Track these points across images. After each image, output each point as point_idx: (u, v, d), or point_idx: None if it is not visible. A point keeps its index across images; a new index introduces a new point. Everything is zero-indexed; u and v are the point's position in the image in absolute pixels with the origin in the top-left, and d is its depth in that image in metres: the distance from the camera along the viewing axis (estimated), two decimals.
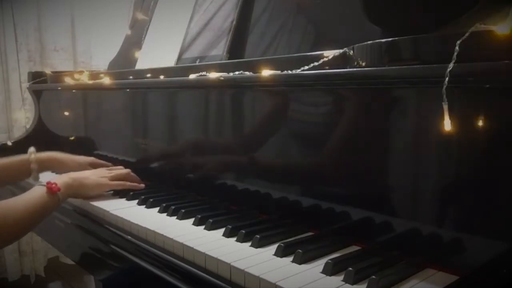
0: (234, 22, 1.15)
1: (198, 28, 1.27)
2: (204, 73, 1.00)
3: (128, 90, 1.31)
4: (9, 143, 1.69)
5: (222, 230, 0.82)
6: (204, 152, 1.08)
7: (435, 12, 0.85)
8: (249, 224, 0.84)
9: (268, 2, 1.13)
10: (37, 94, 1.80)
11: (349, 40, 0.76)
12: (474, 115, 0.59)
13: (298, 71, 0.80)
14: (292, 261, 0.69)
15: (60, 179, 1.02)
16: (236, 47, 1.14)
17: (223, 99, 1.02)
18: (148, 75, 1.23)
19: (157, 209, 0.98)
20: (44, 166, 1.23)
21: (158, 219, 0.92)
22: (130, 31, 1.72)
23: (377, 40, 0.70)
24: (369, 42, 0.71)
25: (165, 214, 0.95)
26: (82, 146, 1.52)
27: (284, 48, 1.04)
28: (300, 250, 0.69)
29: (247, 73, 0.91)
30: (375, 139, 0.73)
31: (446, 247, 0.64)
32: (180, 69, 1.16)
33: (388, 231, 0.71)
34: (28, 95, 2.00)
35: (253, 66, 0.91)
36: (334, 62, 0.77)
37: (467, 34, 0.59)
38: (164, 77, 1.17)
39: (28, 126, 2.03)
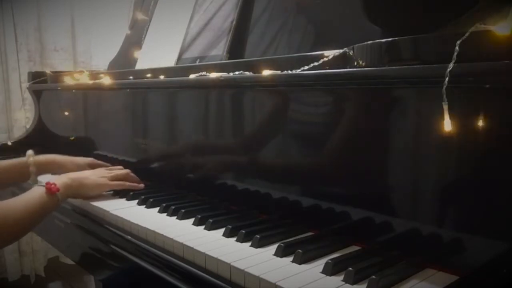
0: (234, 22, 1.15)
1: (198, 28, 1.27)
2: (204, 73, 1.00)
3: (128, 90, 1.31)
4: (9, 143, 1.69)
5: (222, 230, 0.82)
6: (204, 152, 1.08)
7: (435, 12, 0.85)
8: (249, 224, 0.84)
9: (268, 2, 1.13)
10: (37, 94, 1.80)
11: (349, 40, 0.76)
12: (474, 115, 0.59)
13: (298, 71, 0.80)
14: (292, 261, 0.69)
15: (59, 180, 1.02)
16: (236, 47, 1.14)
17: (223, 99, 1.02)
18: (148, 75, 1.23)
19: (157, 209, 0.98)
20: (43, 168, 1.23)
21: (158, 219, 0.92)
22: (130, 31, 1.72)
23: (377, 40, 0.70)
24: (369, 42, 0.71)
25: (165, 214, 0.95)
26: (82, 146, 1.53)
27: (284, 48, 1.04)
28: (300, 250, 0.69)
29: (247, 73, 0.91)
30: (375, 139, 0.73)
31: (446, 247, 0.64)
32: (180, 69, 1.16)
33: (388, 231, 0.71)
34: (28, 95, 2.00)
35: (253, 66, 0.91)
36: (334, 62, 0.77)
37: (467, 34, 0.59)
38: (164, 77, 1.17)
39: (28, 126, 2.04)
